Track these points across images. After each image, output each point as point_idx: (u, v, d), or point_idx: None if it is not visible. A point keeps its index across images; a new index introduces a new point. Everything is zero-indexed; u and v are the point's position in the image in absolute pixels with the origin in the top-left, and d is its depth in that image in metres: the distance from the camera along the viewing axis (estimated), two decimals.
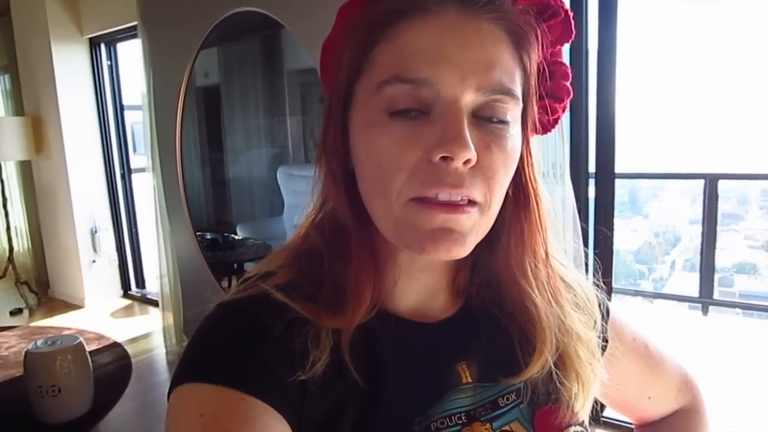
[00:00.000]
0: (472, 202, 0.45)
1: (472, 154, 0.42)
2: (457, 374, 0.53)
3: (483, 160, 0.44)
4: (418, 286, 0.54)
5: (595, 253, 2.21)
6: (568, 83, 0.53)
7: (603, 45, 2.04)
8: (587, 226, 2.22)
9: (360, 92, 0.47)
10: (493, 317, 0.55)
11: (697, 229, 3.95)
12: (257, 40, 4.70)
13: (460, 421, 0.51)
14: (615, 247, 2.38)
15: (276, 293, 0.48)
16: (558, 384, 0.54)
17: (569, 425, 0.54)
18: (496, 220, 0.49)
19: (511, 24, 0.46)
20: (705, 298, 3.90)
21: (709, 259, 3.88)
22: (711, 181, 3.71)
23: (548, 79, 0.51)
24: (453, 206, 0.44)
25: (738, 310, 4.56)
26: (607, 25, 2.03)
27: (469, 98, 0.44)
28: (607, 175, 2.17)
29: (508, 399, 0.54)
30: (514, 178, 0.49)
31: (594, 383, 0.56)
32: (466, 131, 0.43)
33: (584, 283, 0.61)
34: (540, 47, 0.49)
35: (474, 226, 0.46)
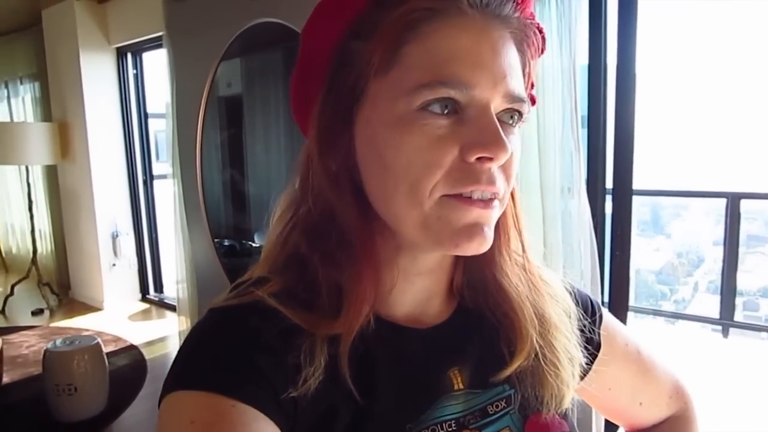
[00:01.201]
0: (495, 197, 0.47)
1: (509, 152, 0.45)
2: (449, 380, 0.53)
3: (507, 158, 0.46)
4: (415, 290, 0.54)
5: (611, 271, 2.19)
6: (533, 92, 0.55)
7: (622, 57, 2.04)
8: (603, 242, 2.20)
9: (380, 90, 0.46)
10: (484, 316, 0.56)
11: (721, 251, 3.88)
12: (279, 51, 4.76)
13: (451, 429, 0.51)
14: (636, 266, 2.34)
15: (269, 300, 0.47)
16: (544, 386, 0.54)
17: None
18: None
19: (520, 34, 0.48)
20: (725, 320, 3.83)
21: (731, 279, 3.81)
22: (733, 200, 3.65)
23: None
24: (485, 202, 0.46)
25: (764, 333, 4.46)
26: (626, 37, 2.02)
27: (497, 103, 0.45)
28: (624, 191, 2.15)
29: (497, 406, 0.54)
30: None
31: (572, 373, 0.56)
32: (503, 134, 0.44)
33: (566, 284, 0.62)
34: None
35: (494, 220, 0.48)
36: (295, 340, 0.46)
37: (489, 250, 0.51)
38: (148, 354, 3.31)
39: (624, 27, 2.02)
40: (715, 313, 4.01)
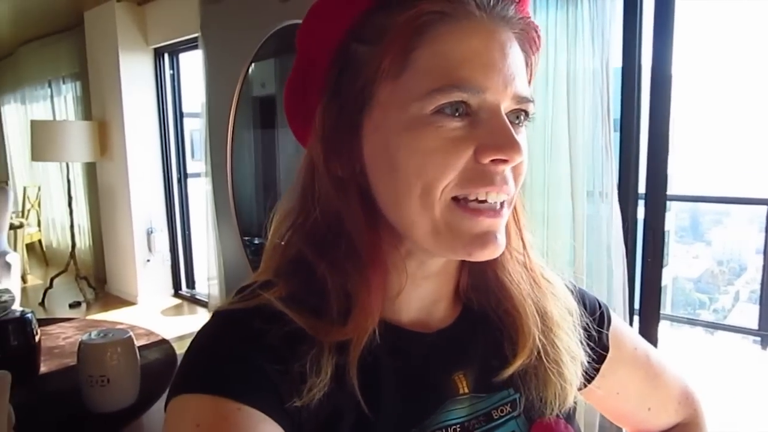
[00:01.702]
0: (505, 202, 0.47)
1: (523, 156, 0.45)
2: (454, 385, 0.53)
3: None
4: (422, 294, 0.54)
5: (642, 277, 2.15)
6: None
7: (657, 59, 1.99)
8: (635, 249, 2.15)
9: (391, 95, 0.46)
10: (489, 318, 0.55)
11: (763, 259, 3.76)
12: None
13: None
14: (674, 273, 2.28)
15: (276, 303, 0.47)
16: (547, 387, 0.53)
17: None
18: None
19: (523, 34, 0.48)
20: (765, 332, 3.71)
21: None
22: None
23: None
24: (495, 211, 0.46)
25: None
26: (662, 38, 1.98)
27: (507, 104, 0.45)
28: (657, 197, 2.10)
29: (502, 411, 0.53)
30: None
31: (575, 372, 0.55)
32: (515, 135, 0.44)
33: (569, 286, 0.61)
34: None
35: (504, 225, 0.48)
36: (301, 346, 0.46)
37: None
38: (178, 348, 3.37)
39: (660, 28, 1.97)
40: (755, 323, 3.89)
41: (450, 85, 0.43)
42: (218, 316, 0.50)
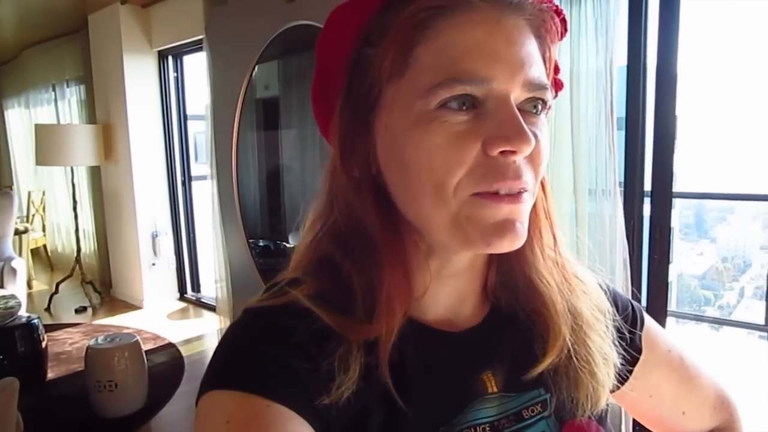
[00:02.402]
0: (524, 191, 0.46)
1: (533, 143, 0.43)
2: (483, 384, 0.52)
3: (533, 149, 0.45)
4: (448, 292, 0.53)
5: (648, 275, 2.14)
6: (559, 76, 0.53)
7: (662, 58, 1.99)
8: (641, 247, 2.15)
9: (396, 94, 0.46)
10: (518, 317, 0.55)
11: None
12: (315, 53, 4.81)
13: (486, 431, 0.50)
14: (678, 270, 2.28)
15: (305, 301, 0.48)
16: (578, 388, 0.53)
17: None
18: None
19: (537, 20, 0.47)
20: None
21: None
22: None
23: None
24: (514, 197, 0.45)
25: None
26: (667, 37, 1.97)
27: (517, 94, 0.44)
28: (663, 194, 2.10)
29: (533, 411, 0.53)
30: None
31: (607, 373, 0.54)
32: (525, 125, 0.43)
33: (602, 285, 0.60)
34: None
35: (526, 215, 0.47)
36: (330, 344, 0.46)
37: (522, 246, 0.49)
38: (185, 352, 3.38)
39: (665, 26, 1.97)
40: (761, 319, 3.87)
41: (451, 78, 0.43)
42: (248, 314, 0.50)
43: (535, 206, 0.51)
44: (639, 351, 0.61)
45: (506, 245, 0.45)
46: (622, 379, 0.59)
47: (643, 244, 2.15)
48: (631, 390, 0.61)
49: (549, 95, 0.46)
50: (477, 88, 0.43)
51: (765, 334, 3.75)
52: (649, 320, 0.64)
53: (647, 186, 2.13)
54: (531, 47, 0.46)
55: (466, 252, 0.50)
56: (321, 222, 0.53)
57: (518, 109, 0.44)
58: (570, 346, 0.53)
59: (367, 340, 0.47)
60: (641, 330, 0.62)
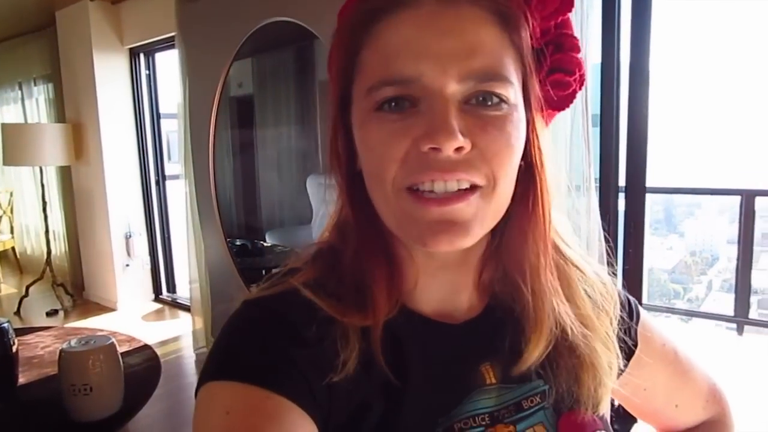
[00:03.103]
0: (473, 188, 0.45)
1: (459, 141, 0.42)
2: (481, 375, 0.53)
3: (480, 141, 0.44)
4: (440, 284, 0.53)
5: (624, 270, 2.18)
6: (578, 55, 0.51)
7: (635, 55, 2.02)
8: (617, 241, 2.18)
9: (355, 96, 0.48)
10: (514, 310, 0.54)
11: (735, 249, 3.85)
12: (290, 51, 4.77)
13: (484, 422, 0.51)
14: (649, 265, 2.32)
15: (303, 289, 0.48)
16: (579, 383, 0.53)
17: (594, 430, 0.54)
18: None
19: (496, 4, 0.45)
20: (740, 318, 3.79)
21: (745, 277, 3.77)
22: (747, 198, 3.62)
23: (554, 52, 0.50)
24: (448, 199, 0.44)
25: None
26: (640, 34, 2.01)
27: (454, 88, 0.43)
28: (637, 189, 2.14)
29: (532, 401, 0.53)
30: (523, 166, 0.49)
31: (609, 375, 0.54)
32: (452, 120, 0.42)
33: (605, 279, 0.60)
34: (536, 21, 0.47)
35: (478, 213, 0.45)
36: (329, 328, 0.47)
37: (512, 239, 0.50)
38: (161, 354, 3.33)
39: (638, 24, 2.00)
40: (729, 311, 3.97)
41: (380, 81, 0.44)
42: (247, 304, 0.51)
43: (525, 199, 0.50)
44: (634, 345, 0.62)
45: (443, 245, 0.45)
46: (618, 372, 0.60)
47: (618, 238, 2.19)
48: (626, 383, 0.61)
49: (501, 85, 0.44)
50: (407, 87, 0.43)
51: (733, 325, 3.85)
52: (644, 314, 0.65)
53: (621, 181, 2.17)
54: (477, 36, 0.44)
55: (412, 246, 0.50)
56: (335, 214, 0.55)
57: (471, 104, 0.44)
58: (570, 340, 0.53)
59: (363, 327, 0.48)
60: (637, 323, 0.63)
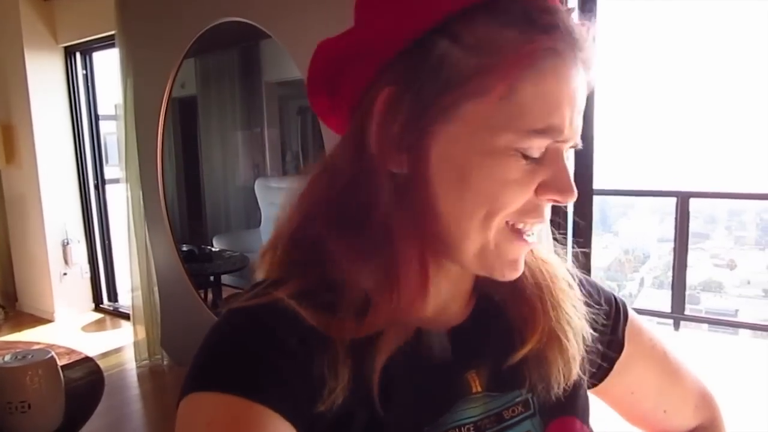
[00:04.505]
0: None
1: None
2: (467, 383, 0.52)
3: None
4: (439, 293, 0.53)
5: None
6: None
7: None
8: (566, 244, 2.24)
9: (478, 113, 0.44)
10: (501, 309, 0.55)
11: (665, 247, 4.05)
12: (235, 51, 4.70)
13: None
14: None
15: (289, 301, 0.46)
16: (549, 362, 0.53)
17: None
18: None
19: (590, 63, 0.47)
20: (677, 314, 3.98)
21: (681, 275, 3.96)
22: (683, 199, 3.81)
23: None
24: (531, 237, 0.49)
25: (705, 326, 4.66)
26: None
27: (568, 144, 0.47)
28: (585, 192, 2.21)
29: (513, 411, 0.53)
30: None
31: (576, 343, 0.54)
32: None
33: (588, 282, 0.61)
34: None
35: None
36: (316, 345, 0.46)
37: None
38: (104, 366, 3.20)
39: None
40: (663, 307, 4.16)
41: (545, 129, 0.44)
42: (231, 314, 0.49)
43: None
44: (622, 345, 0.62)
45: (513, 276, 0.50)
46: (605, 373, 0.60)
47: (568, 242, 2.25)
48: (613, 385, 0.62)
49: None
50: (555, 142, 0.45)
51: (668, 320, 4.04)
52: (633, 315, 0.64)
53: None
54: (583, 102, 0.47)
55: (480, 273, 0.51)
56: (315, 201, 0.51)
57: None
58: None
59: (354, 340, 0.46)
60: (625, 323, 0.63)
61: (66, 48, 4.21)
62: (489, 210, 0.46)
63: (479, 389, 0.52)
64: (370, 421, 0.47)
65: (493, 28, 0.44)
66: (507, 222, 0.47)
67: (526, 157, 0.45)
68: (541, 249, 0.58)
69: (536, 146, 0.45)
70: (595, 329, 0.57)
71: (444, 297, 0.54)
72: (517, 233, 0.48)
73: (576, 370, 0.54)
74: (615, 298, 0.64)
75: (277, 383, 0.44)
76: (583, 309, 0.57)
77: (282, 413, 0.43)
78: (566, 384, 0.54)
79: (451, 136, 0.45)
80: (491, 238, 0.47)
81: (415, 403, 0.49)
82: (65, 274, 4.35)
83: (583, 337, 0.55)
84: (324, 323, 0.46)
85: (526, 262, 0.52)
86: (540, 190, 0.46)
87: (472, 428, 0.51)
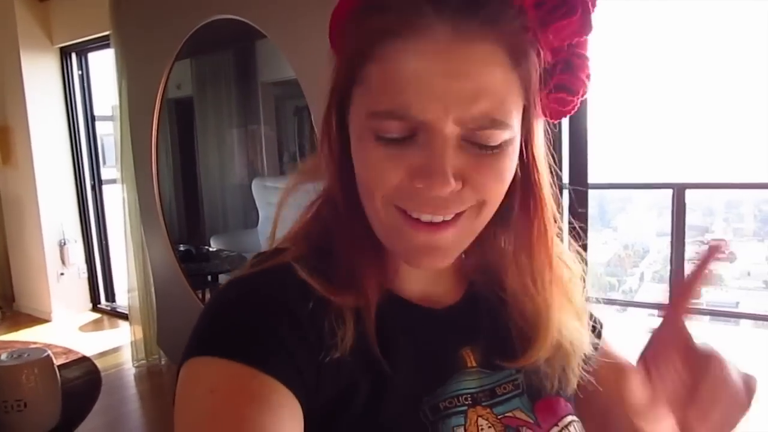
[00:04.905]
0: (459, 214, 0.46)
1: (451, 186, 0.43)
2: (463, 358, 0.54)
3: (473, 180, 0.45)
4: (422, 271, 0.54)
5: None
6: (584, 76, 0.50)
7: None
8: (563, 236, 2.24)
9: (356, 98, 0.47)
10: (496, 301, 0.56)
11: (664, 241, 4.05)
12: (231, 52, 4.69)
13: (467, 402, 0.52)
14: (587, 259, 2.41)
15: (292, 266, 0.48)
16: (551, 375, 0.54)
17: (566, 414, 0.55)
18: (502, 203, 0.49)
19: (509, 39, 0.44)
20: None
21: (679, 268, 3.96)
22: (679, 191, 3.80)
23: (563, 71, 0.49)
24: (435, 226, 0.46)
25: (707, 317, 4.66)
26: None
27: (453, 129, 0.43)
28: (580, 185, 2.21)
29: (505, 389, 0.54)
30: (520, 177, 0.50)
31: (578, 358, 0.55)
32: (447, 164, 0.43)
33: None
34: (550, 44, 0.47)
35: (461, 235, 0.48)
36: (320, 306, 0.47)
37: (495, 239, 0.53)
38: (101, 365, 3.21)
39: None
40: (663, 301, 4.15)
41: (386, 111, 0.43)
42: (234, 282, 0.50)
43: (525, 210, 0.51)
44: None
45: (424, 266, 0.49)
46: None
47: (564, 237, 2.26)
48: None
49: (499, 131, 0.44)
50: (408, 123, 0.43)
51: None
52: (607, 332, 0.65)
53: (565, 179, 2.24)
54: (484, 78, 0.43)
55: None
56: (322, 193, 0.55)
57: (468, 142, 0.44)
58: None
59: (352, 308, 0.48)
60: (598, 338, 0.63)
61: (61, 49, 4.21)
62: (365, 192, 0.47)
63: (474, 364, 0.54)
64: (371, 392, 0.47)
65: (356, 20, 0.47)
66: (396, 206, 0.46)
67: (381, 138, 0.44)
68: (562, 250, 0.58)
69: (389, 129, 0.44)
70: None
71: (427, 276, 0.55)
72: (410, 220, 0.46)
73: (575, 381, 0.56)
74: (591, 315, 0.63)
75: (282, 352, 0.44)
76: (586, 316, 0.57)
77: (285, 383, 0.43)
78: (561, 387, 0.55)
79: (351, 120, 0.48)
80: (384, 220, 0.47)
81: (413, 373, 0.50)
82: (62, 274, 4.35)
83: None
84: (325, 287, 0.47)
85: (526, 263, 0.52)
86: (408, 175, 0.44)
87: (469, 398, 0.52)
